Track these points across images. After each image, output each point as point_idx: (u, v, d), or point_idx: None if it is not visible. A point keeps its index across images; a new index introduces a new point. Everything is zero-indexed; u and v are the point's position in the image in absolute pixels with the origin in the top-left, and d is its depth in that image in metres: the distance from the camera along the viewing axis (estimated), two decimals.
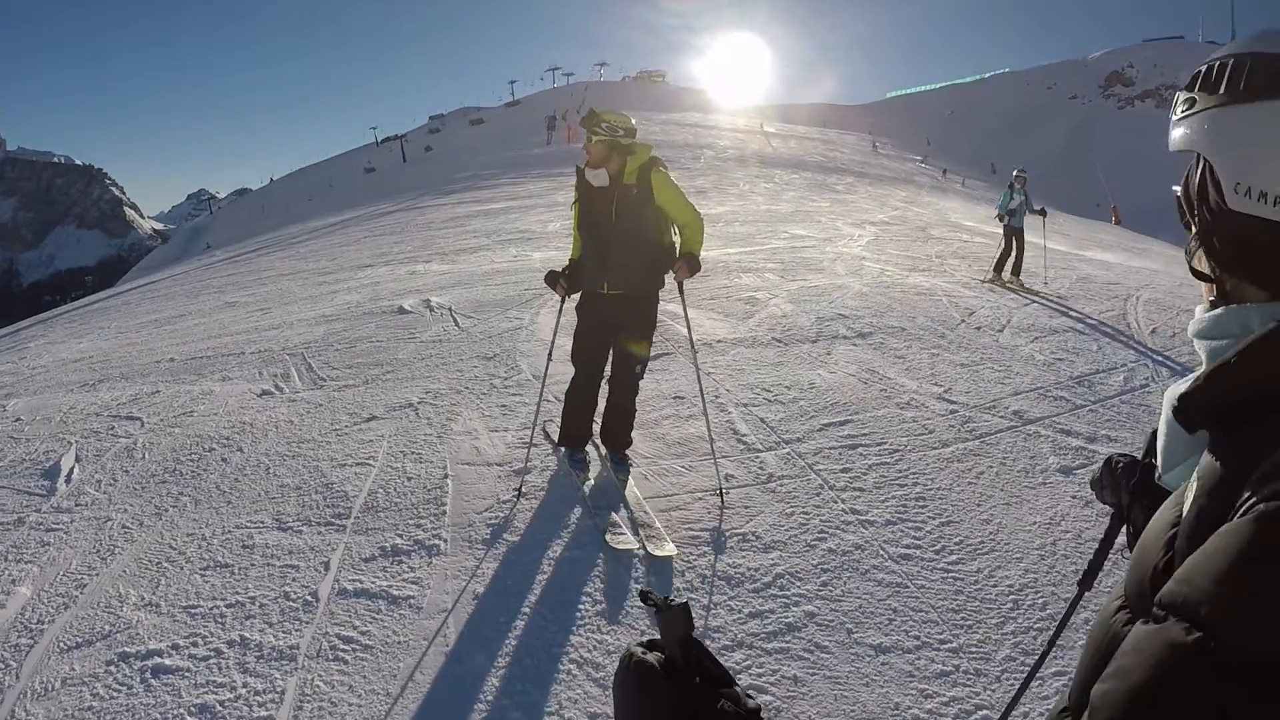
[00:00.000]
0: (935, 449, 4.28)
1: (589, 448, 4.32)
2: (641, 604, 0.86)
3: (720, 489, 3.95)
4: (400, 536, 3.71)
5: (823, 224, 13.90)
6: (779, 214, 15.55)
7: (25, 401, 6.43)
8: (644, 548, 3.48)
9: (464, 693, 2.78)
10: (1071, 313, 7.74)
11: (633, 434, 4.27)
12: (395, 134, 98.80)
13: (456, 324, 7.21)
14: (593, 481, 4.10)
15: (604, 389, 4.20)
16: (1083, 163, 79.40)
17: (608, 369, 4.15)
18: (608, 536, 3.55)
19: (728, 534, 3.56)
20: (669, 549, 3.46)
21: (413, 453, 4.55)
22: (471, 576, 3.41)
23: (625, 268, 3.90)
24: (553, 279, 4.03)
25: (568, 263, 4.12)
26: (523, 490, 4.00)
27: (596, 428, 4.31)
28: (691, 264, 3.81)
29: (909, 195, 24.66)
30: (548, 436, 4.55)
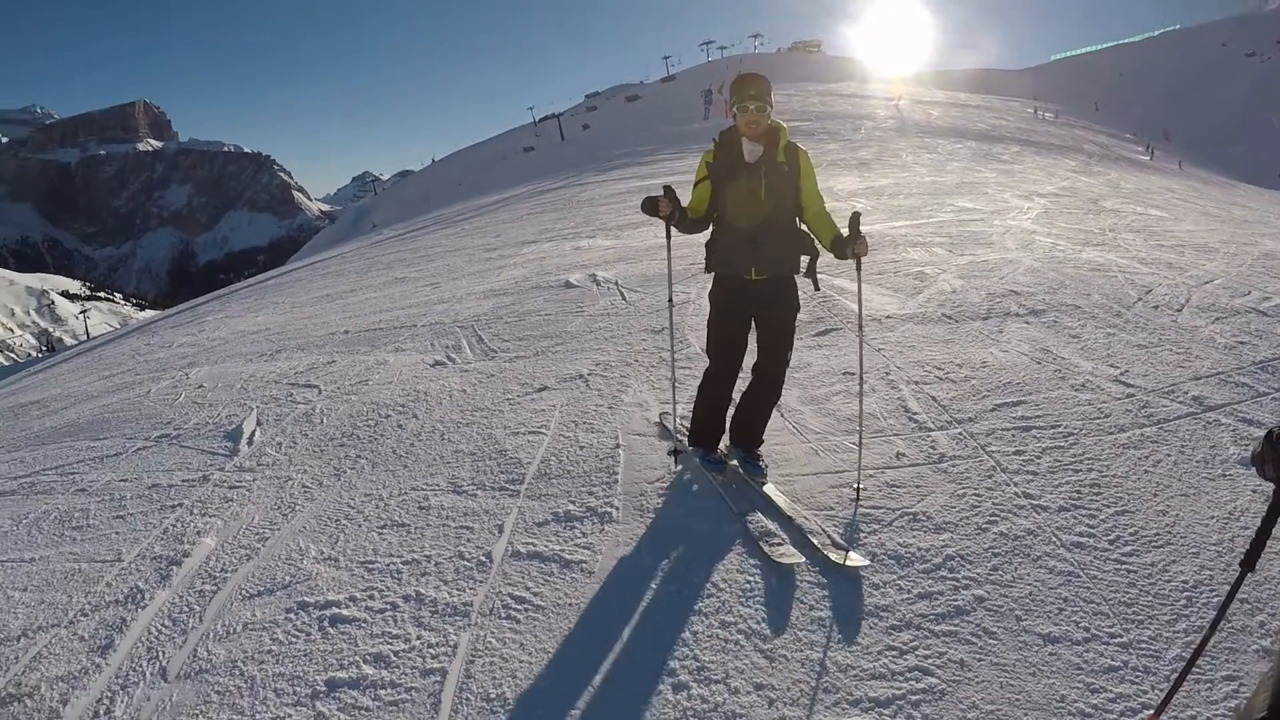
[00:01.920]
0: (1111, 434, 4.73)
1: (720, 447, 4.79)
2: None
3: (857, 476, 4.32)
4: (573, 503, 4.46)
5: (989, 196, 15.29)
6: (944, 186, 17.01)
7: (207, 370, 8.19)
8: (824, 555, 3.82)
9: (633, 656, 3.34)
10: (1254, 291, 8.02)
11: (805, 409, 4.62)
12: (552, 113, 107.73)
13: (623, 298, 8.49)
14: (734, 486, 4.55)
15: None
16: (1264, 126, 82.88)
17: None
18: (767, 549, 3.93)
19: (898, 512, 4.10)
20: (857, 558, 3.78)
21: (584, 422, 5.45)
22: (642, 544, 4.06)
23: (775, 250, 4.31)
24: (652, 205, 4.40)
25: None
26: (677, 462, 4.72)
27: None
28: (865, 241, 4.20)
29: (1078, 165, 26.25)
30: (670, 436, 5.05)
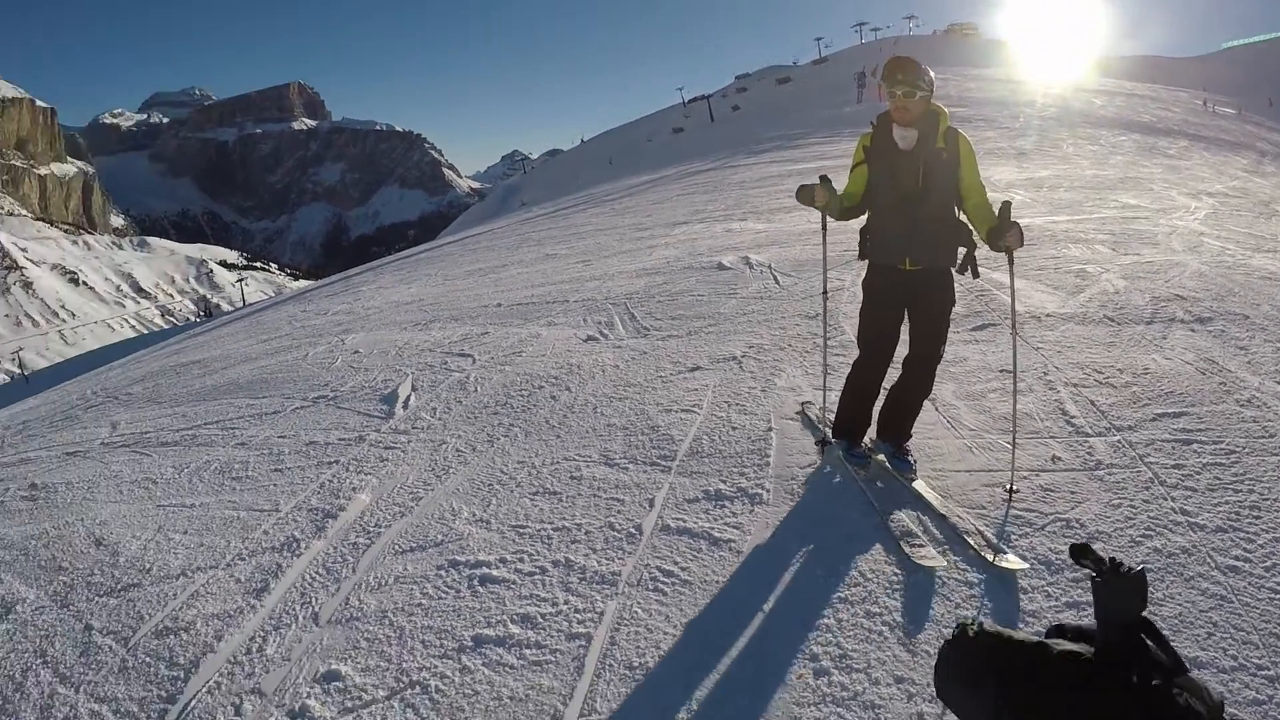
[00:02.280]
0: (1275, 455, 4.51)
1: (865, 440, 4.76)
2: (1073, 561, 0.89)
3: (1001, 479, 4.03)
4: (724, 482, 4.55)
5: (1155, 192, 14.78)
6: (1107, 180, 16.48)
7: (362, 336, 8.75)
8: (978, 554, 3.72)
9: (776, 637, 3.37)
10: None
11: (960, 404, 4.52)
12: (702, 94, 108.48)
13: (776, 282, 8.52)
14: (878, 483, 4.49)
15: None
16: None
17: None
18: (907, 549, 3.85)
19: (1051, 517, 4.01)
20: (1014, 560, 3.68)
21: (737, 403, 5.53)
22: (790, 529, 4.10)
23: (932, 240, 4.23)
24: (808, 194, 4.47)
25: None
26: (823, 451, 4.72)
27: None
28: (1019, 232, 4.06)
29: (1250, 164, 24.72)
30: (813, 426, 5.04)
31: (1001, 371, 5.67)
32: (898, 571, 3.71)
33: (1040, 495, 4.18)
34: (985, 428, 4.93)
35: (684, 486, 4.54)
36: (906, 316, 4.45)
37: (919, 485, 4.35)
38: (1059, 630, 0.96)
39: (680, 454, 4.90)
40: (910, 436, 4.64)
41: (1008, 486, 4.21)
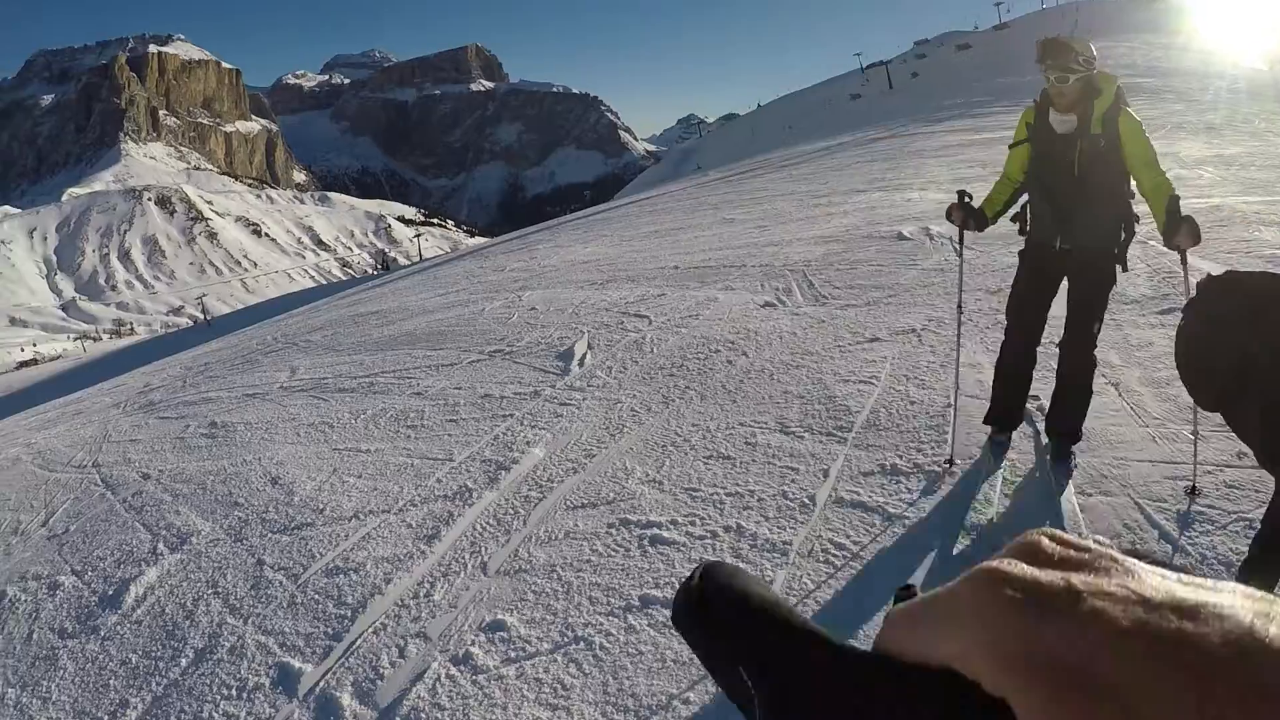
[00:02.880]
0: None
1: (1015, 434, 4.59)
2: None
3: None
4: (900, 457, 4.45)
5: None
6: None
7: (539, 294, 9.01)
8: None
9: None
10: None
11: (1143, 390, 4.28)
12: (880, 60, 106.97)
13: (958, 254, 7.96)
14: (1015, 480, 4.26)
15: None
16: None
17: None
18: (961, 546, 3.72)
19: (1234, 516, 3.80)
20: None
21: (915, 377, 5.40)
22: (969, 507, 3.98)
23: (1087, 223, 4.09)
24: (953, 212, 4.42)
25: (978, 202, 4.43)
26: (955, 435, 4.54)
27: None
28: (1193, 230, 3.80)
29: None
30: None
31: None
32: None
33: (1224, 492, 3.96)
34: (1170, 417, 4.64)
35: (859, 459, 4.47)
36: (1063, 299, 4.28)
37: (1068, 497, 4.06)
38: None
39: (857, 425, 4.82)
40: (1078, 437, 4.37)
41: (1189, 487, 3.96)
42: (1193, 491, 3.94)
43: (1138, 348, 5.43)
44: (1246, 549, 3.47)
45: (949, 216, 4.47)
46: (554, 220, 22.96)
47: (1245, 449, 4.20)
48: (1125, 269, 4.22)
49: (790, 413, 5.08)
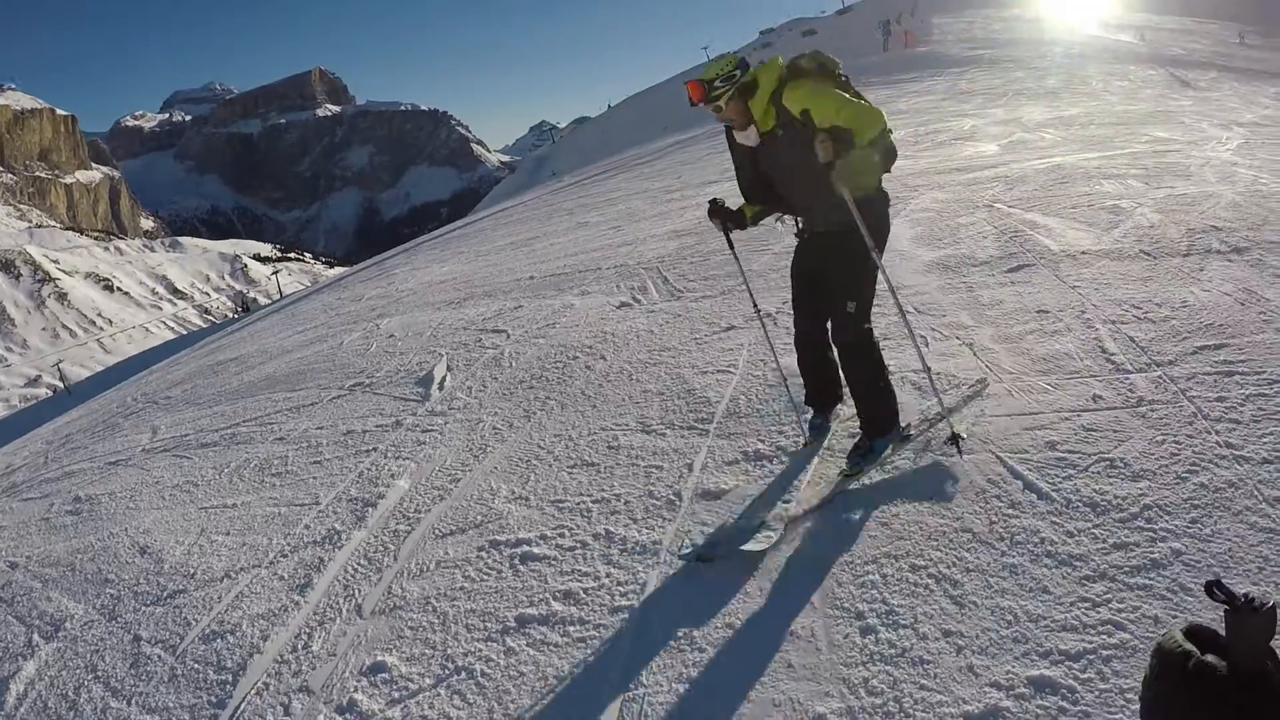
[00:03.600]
0: None
1: (832, 416, 4.61)
2: (1207, 596, 1.01)
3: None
4: (762, 441, 4.53)
5: (1186, 125, 15.04)
6: (1137, 115, 16.88)
7: (397, 320, 8.93)
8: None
9: (824, 597, 3.36)
10: None
11: (997, 347, 4.56)
12: (727, 51, 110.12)
13: (735, 259, 8.34)
14: (810, 462, 4.34)
15: None
16: None
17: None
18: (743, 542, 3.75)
19: (1094, 458, 3.94)
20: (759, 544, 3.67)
21: (772, 361, 5.29)
22: (835, 485, 4.05)
23: (820, 210, 4.16)
24: (713, 217, 4.56)
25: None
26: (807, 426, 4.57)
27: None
28: (845, 171, 3.79)
29: None
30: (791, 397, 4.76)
31: (1038, 312, 5.63)
32: (941, 522, 3.65)
33: (1082, 436, 4.14)
34: (1024, 370, 4.88)
35: (722, 449, 4.53)
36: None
37: (842, 486, 4.10)
38: (1195, 633, 0.93)
39: (717, 415, 4.89)
40: (874, 428, 4.24)
41: (949, 435, 4.09)
42: (958, 445, 4.06)
43: (988, 306, 5.69)
44: (1109, 489, 3.66)
45: (711, 218, 4.56)
46: (411, 242, 22.75)
47: (1101, 393, 4.43)
48: (876, 244, 4.08)
49: (651, 411, 5.13)
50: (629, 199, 15.57)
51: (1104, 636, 2.89)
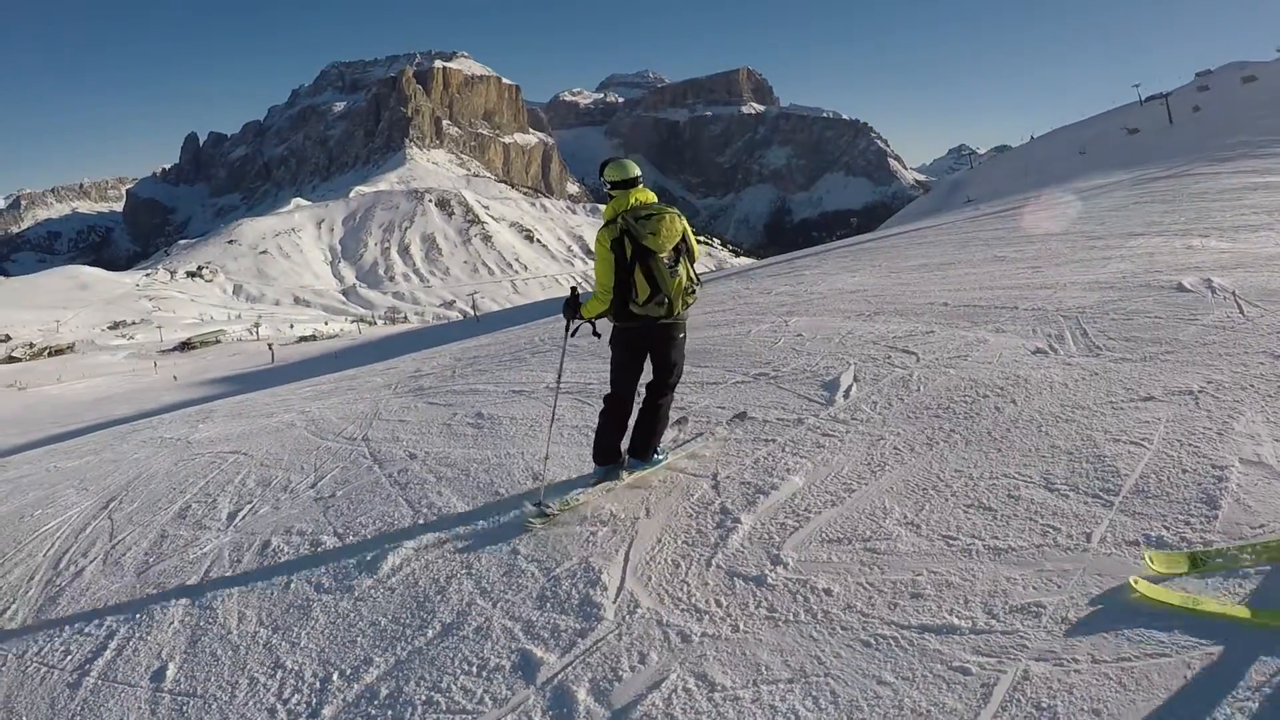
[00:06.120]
0: None
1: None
2: None
3: None
4: (1166, 529, 4.06)
5: None
6: None
7: (805, 320, 9.27)
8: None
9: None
10: None
11: None
12: (1159, 92, 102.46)
13: (1241, 311, 7.45)
14: None
15: None
16: None
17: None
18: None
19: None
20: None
21: (1189, 443, 4.89)
22: (1251, 591, 3.54)
23: None
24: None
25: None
26: None
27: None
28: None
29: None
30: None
31: None
32: None
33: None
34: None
35: (1124, 525, 4.14)
36: None
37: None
38: None
39: (1124, 489, 4.48)
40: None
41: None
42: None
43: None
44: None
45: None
46: (821, 246, 23.23)
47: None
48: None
49: (1056, 468, 4.81)
50: (1048, 239, 14.85)
51: None
